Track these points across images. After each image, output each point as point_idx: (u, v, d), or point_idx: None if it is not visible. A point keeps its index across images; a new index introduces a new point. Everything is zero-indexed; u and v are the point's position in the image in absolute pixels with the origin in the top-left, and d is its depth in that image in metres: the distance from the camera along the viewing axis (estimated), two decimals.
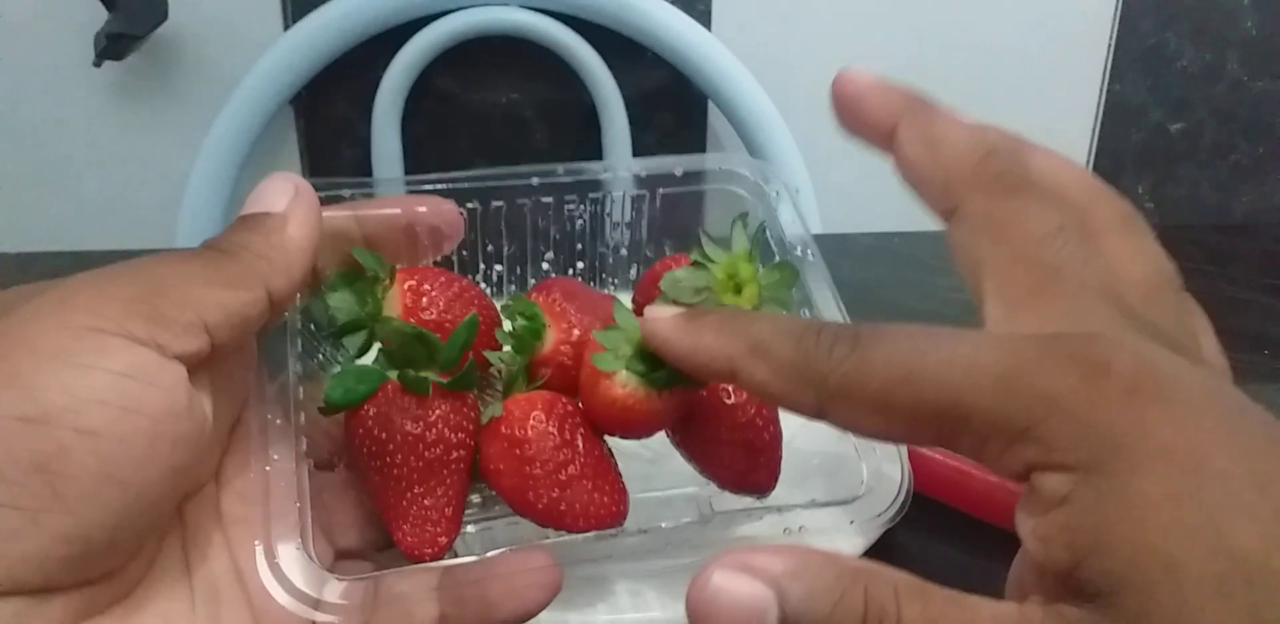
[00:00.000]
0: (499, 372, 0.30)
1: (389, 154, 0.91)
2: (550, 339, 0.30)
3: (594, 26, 0.88)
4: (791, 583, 0.21)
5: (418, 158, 0.94)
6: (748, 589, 0.21)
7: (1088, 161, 1.01)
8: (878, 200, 1.01)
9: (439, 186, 0.32)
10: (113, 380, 0.23)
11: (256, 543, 0.26)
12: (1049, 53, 0.96)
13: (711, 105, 0.94)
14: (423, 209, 0.31)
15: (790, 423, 0.31)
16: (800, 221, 0.33)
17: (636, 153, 0.94)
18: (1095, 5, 0.95)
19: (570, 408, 0.29)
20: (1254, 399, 0.20)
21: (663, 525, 0.29)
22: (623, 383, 0.27)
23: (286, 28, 0.88)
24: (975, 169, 0.24)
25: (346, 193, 0.31)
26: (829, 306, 0.31)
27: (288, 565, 0.25)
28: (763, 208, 0.33)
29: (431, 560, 0.28)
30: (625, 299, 0.31)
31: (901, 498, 0.29)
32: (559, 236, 0.35)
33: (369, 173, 0.93)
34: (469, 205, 0.33)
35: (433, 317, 0.30)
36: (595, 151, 0.94)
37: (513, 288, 0.36)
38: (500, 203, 0.33)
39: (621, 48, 0.90)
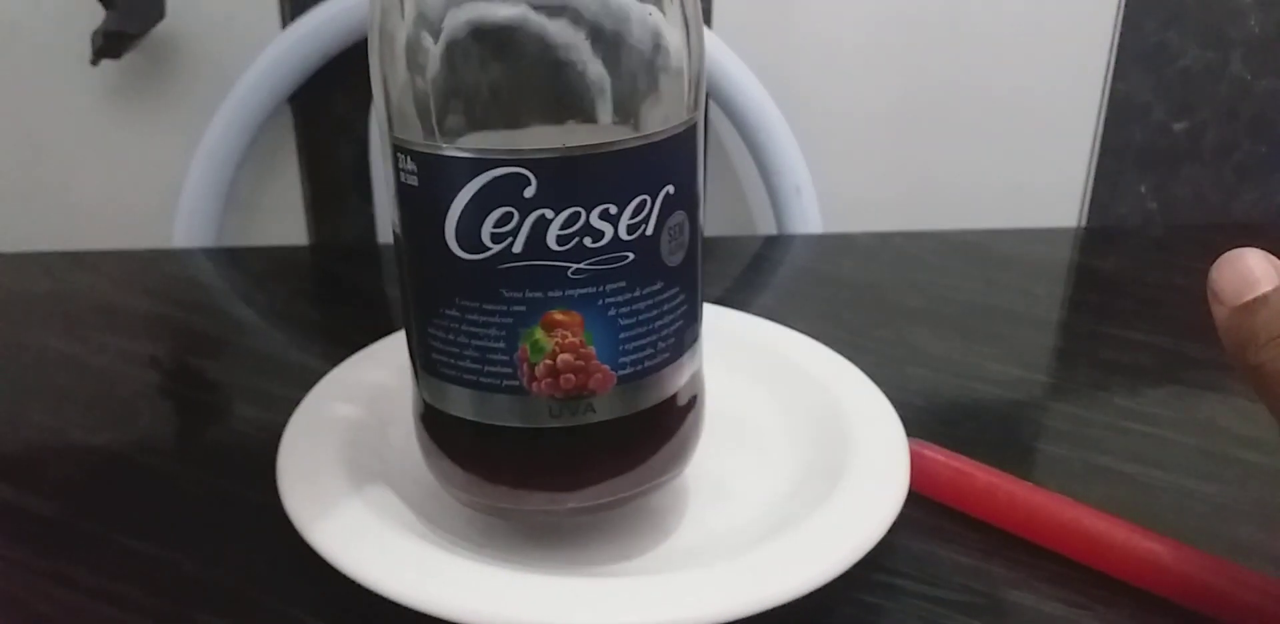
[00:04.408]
0: None
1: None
2: None
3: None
4: None
5: None
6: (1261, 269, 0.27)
7: (1090, 161, 1.00)
8: (879, 200, 1.01)
9: None
10: None
11: None
12: (1051, 52, 0.96)
13: (713, 105, 0.94)
14: None
15: None
16: None
17: None
18: (1098, 4, 0.95)
19: None
20: (1249, 398, 0.19)
21: None
22: None
23: (284, 26, 0.87)
24: None
25: None
26: None
27: None
28: None
29: None
30: None
31: None
32: None
33: (366, 171, 0.92)
34: None
35: None
36: None
37: None
38: None
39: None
